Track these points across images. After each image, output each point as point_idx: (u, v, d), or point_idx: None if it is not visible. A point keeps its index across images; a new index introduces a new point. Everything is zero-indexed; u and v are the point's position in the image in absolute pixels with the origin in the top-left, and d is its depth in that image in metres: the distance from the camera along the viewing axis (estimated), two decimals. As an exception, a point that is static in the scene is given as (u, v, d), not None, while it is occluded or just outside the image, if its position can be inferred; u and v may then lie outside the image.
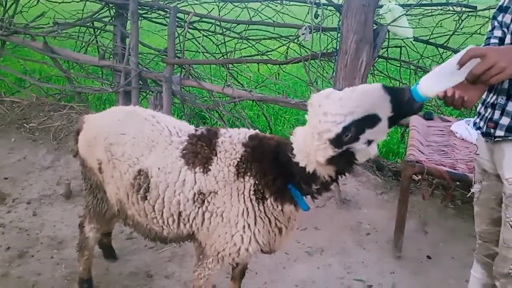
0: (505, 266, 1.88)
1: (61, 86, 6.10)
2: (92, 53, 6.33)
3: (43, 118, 5.23)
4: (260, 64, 5.31)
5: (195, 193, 2.07)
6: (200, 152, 2.11)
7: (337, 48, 4.32)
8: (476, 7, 4.70)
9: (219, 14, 5.53)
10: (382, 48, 4.77)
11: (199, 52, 5.48)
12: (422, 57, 5.17)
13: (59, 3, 6.04)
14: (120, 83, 5.31)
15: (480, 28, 4.70)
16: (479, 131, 1.94)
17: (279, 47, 5.60)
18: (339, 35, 4.28)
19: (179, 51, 5.23)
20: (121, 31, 5.56)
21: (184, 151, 2.14)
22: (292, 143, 1.87)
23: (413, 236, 3.56)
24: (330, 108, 1.64)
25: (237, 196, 2.03)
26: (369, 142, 1.69)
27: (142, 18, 5.69)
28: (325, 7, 4.72)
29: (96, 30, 5.99)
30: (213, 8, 5.55)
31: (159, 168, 2.14)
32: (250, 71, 5.91)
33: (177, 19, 5.22)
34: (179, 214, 2.12)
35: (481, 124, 1.89)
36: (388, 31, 4.53)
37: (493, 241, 2.04)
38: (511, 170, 1.80)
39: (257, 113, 6.23)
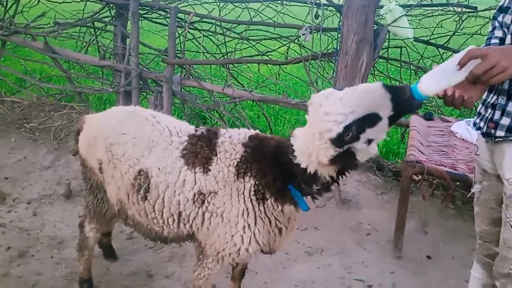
0: (505, 266, 1.88)
1: (62, 86, 6.10)
2: (92, 53, 6.34)
3: (43, 118, 5.23)
4: (260, 64, 5.31)
5: (195, 193, 2.07)
6: (200, 152, 2.11)
7: (338, 48, 4.32)
8: (476, 7, 4.70)
9: (219, 15, 5.54)
10: (383, 49, 4.77)
11: (200, 52, 5.48)
12: (423, 58, 5.18)
13: (60, 3, 6.05)
14: (120, 83, 5.31)
15: (480, 28, 4.69)
16: (479, 132, 1.94)
17: (279, 47, 5.60)
18: (339, 35, 4.29)
19: (180, 51, 5.23)
20: (122, 31, 5.57)
21: (184, 151, 2.14)
22: (292, 145, 1.87)
23: (413, 236, 3.56)
24: (331, 108, 1.64)
25: (237, 196, 2.03)
26: (369, 142, 1.69)
27: (142, 18, 5.70)
28: (326, 7, 4.72)
29: (96, 30, 5.99)
30: (214, 8, 5.56)
31: (159, 168, 2.14)
32: (250, 71, 5.91)
33: (177, 19, 5.23)
34: (179, 214, 2.13)
35: (482, 124, 1.89)
36: (389, 31, 4.53)
37: (493, 241, 2.04)
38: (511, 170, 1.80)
39: (257, 113, 6.23)
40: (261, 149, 2.03)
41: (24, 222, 3.52)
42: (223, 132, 2.16)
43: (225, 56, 5.69)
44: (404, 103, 1.62)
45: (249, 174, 2.01)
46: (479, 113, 1.93)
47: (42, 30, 5.86)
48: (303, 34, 4.45)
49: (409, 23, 4.65)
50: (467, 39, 4.91)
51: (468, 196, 3.25)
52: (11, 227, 3.43)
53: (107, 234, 3.04)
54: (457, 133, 3.70)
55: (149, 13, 5.80)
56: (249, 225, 2.04)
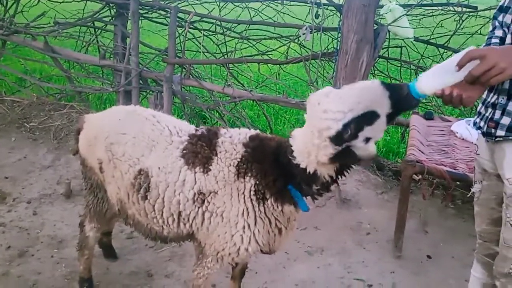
0: (505, 266, 1.88)
1: (62, 85, 6.10)
2: (92, 53, 6.34)
3: (43, 117, 5.23)
4: (260, 64, 5.32)
5: (195, 193, 2.07)
6: (200, 152, 2.11)
7: (338, 48, 4.32)
8: (476, 7, 4.70)
9: (219, 14, 5.54)
10: (383, 48, 4.77)
11: (200, 52, 5.48)
12: (423, 57, 5.18)
13: (60, 2, 6.05)
14: (120, 83, 5.31)
15: (480, 28, 4.69)
16: (479, 131, 1.94)
17: (279, 47, 5.60)
18: (339, 35, 4.28)
19: (180, 51, 5.23)
20: (122, 30, 5.57)
21: (184, 151, 2.14)
22: (291, 145, 1.87)
23: (413, 236, 3.56)
24: (330, 106, 1.64)
25: (237, 196, 2.03)
26: (367, 140, 1.69)
27: (142, 18, 5.70)
28: (326, 7, 4.72)
29: (96, 29, 5.99)
30: (214, 8, 5.56)
31: (159, 168, 2.14)
32: (250, 71, 5.91)
33: (177, 19, 5.23)
34: (179, 213, 2.12)
35: (482, 124, 1.89)
36: (389, 31, 4.53)
37: (493, 241, 2.04)
38: (512, 170, 1.80)
39: (257, 112, 6.23)
40: (262, 149, 2.03)
41: (24, 221, 3.52)
42: (224, 132, 2.16)
43: (225, 56, 5.69)
44: (402, 101, 1.62)
45: (249, 174, 2.01)
46: (479, 113, 1.93)
47: (42, 29, 5.86)
48: (303, 34, 4.45)
49: (409, 23, 4.65)
50: (467, 39, 4.90)
51: (468, 195, 3.24)
52: (11, 227, 3.43)
53: (107, 233, 3.04)
54: (457, 132, 3.70)
55: (149, 12, 5.80)
56: (249, 225, 2.04)
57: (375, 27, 4.28)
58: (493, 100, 1.82)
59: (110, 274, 2.99)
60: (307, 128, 1.77)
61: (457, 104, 1.64)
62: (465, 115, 5.01)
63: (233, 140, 2.09)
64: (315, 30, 4.47)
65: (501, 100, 1.78)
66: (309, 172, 1.83)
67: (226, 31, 5.51)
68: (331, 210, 3.87)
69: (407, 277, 3.13)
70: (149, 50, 5.98)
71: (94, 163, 2.40)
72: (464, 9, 4.74)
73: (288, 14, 5.38)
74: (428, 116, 4.13)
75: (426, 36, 5.00)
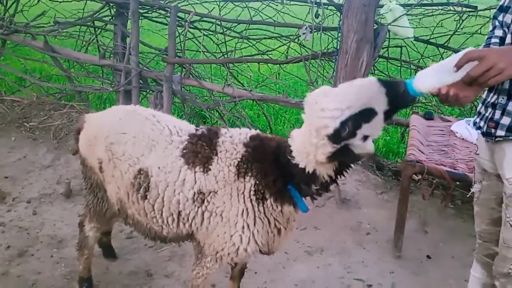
0: (505, 266, 1.88)
1: (62, 85, 6.10)
2: (92, 52, 6.34)
3: (43, 117, 5.23)
4: (260, 63, 5.31)
5: (195, 193, 2.07)
6: (200, 151, 2.11)
7: (338, 47, 4.32)
8: (476, 7, 4.70)
9: (219, 14, 5.53)
10: (383, 48, 4.76)
11: (200, 52, 5.48)
12: (423, 57, 5.17)
13: (60, 2, 6.04)
14: (120, 82, 5.31)
15: (480, 28, 4.69)
16: (479, 131, 1.94)
17: (279, 46, 5.60)
18: (339, 34, 4.28)
19: (180, 51, 5.23)
20: (122, 30, 5.56)
21: (184, 151, 2.14)
22: (290, 145, 1.87)
23: (413, 236, 3.56)
24: (327, 104, 1.64)
25: (237, 196, 2.03)
26: (365, 138, 1.70)
27: (142, 17, 5.69)
28: (326, 6, 4.71)
29: (96, 29, 5.99)
30: (214, 7, 5.55)
31: (159, 168, 2.14)
32: (250, 71, 5.91)
33: (177, 19, 5.22)
34: (179, 213, 2.12)
35: (482, 124, 1.89)
36: (389, 30, 4.53)
37: (493, 241, 2.04)
38: (512, 170, 1.80)
39: (257, 112, 6.23)
40: (262, 149, 2.03)
41: (23, 221, 3.52)
42: (224, 132, 2.16)
43: (225, 55, 5.69)
44: (399, 97, 1.63)
45: (249, 174, 2.01)
46: (479, 113, 1.93)
47: (42, 29, 5.86)
48: (303, 33, 4.44)
49: (409, 23, 4.65)
50: (467, 39, 4.90)
51: (468, 195, 3.24)
52: (11, 226, 3.43)
53: (107, 233, 3.04)
54: (457, 132, 3.70)
55: (149, 12, 5.80)
56: (248, 225, 2.04)
57: (375, 27, 4.28)
58: (493, 100, 1.82)
59: (109, 274, 2.99)
60: (306, 127, 1.77)
61: (453, 103, 1.64)
62: (465, 115, 5.01)
63: (233, 140, 2.09)
64: (315, 30, 4.46)
65: (501, 100, 1.78)
66: (308, 172, 1.83)
67: (226, 31, 5.50)
68: (331, 210, 3.87)
69: (407, 277, 3.13)
70: (149, 49, 5.98)
71: (94, 163, 2.40)
72: (464, 9, 4.73)
73: (288, 14, 5.38)
74: (428, 116, 4.13)
75: (426, 35, 5.00)
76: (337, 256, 3.31)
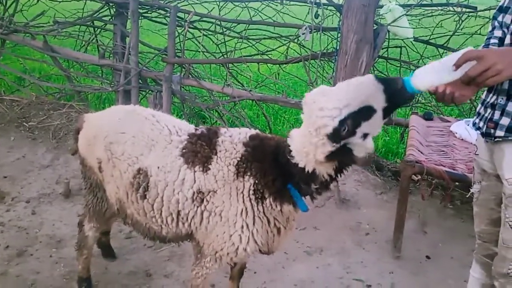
0: (504, 266, 1.88)
1: (61, 85, 6.09)
2: (92, 52, 6.33)
3: (42, 117, 5.22)
4: (260, 63, 5.31)
5: (194, 192, 2.07)
6: (200, 151, 2.11)
7: (337, 48, 4.32)
8: (476, 7, 4.70)
9: (219, 14, 5.53)
10: (382, 48, 4.76)
11: (199, 52, 5.47)
12: (422, 58, 5.17)
13: (59, 2, 6.03)
14: (120, 82, 5.30)
15: (480, 28, 4.69)
16: (478, 132, 1.94)
17: (279, 46, 5.60)
18: (339, 35, 4.28)
19: (179, 51, 5.22)
20: (121, 30, 5.56)
21: (183, 150, 2.14)
22: (289, 145, 1.87)
23: (412, 236, 3.56)
24: (325, 103, 1.64)
25: (236, 195, 2.03)
26: (365, 136, 1.69)
27: (142, 17, 5.68)
28: (326, 7, 4.71)
29: (96, 29, 5.98)
30: (214, 7, 5.55)
31: (158, 167, 2.14)
32: (250, 71, 5.91)
33: (177, 19, 5.22)
34: (178, 213, 2.12)
35: (481, 124, 1.89)
36: (388, 31, 4.53)
37: (493, 241, 2.04)
38: (511, 170, 1.79)
39: (256, 112, 6.23)
40: (262, 148, 2.03)
41: (23, 221, 3.51)
42: (224, 131, 2.16)
43: (225, 56, 5.68)
44: (397, 94, 1.63)
45: (248, 174, 2.01)
46: (479, 113, 1.93)
47: (41, 29, 5.85)
48: (303, 34, 4.44)
49: (409, 23, 4.65)
50: (467, 39, 4.90)
51: (467, 196, 3.24)
52: (10, 226, 3.43)
53: (106, 233, 3.04)
54: (456, 133, 3.70)
55: (148, 12, 5.79)
56: (247, 225, 2.03)
57: (374, 27, 4.28)
58: (492, 100, 1.82)
59: (108, 274, 2.99)
60: (305, 127, 1.77)
61: (448, 102, 1.65)
62: (465, 115, 5.01)
63: (233, 140, 2.09)
64: (314, 30, 4.46)
65: (500, 101, 1.78)
66: (308, 171, 1.83)
67: (225, 31, 5.50)
68: (330, 210, 3.87)
69: (406, 277, 3.13)
70: (148, 49, 5.97)
71: (93, 163, 2.40)
72: (464, 9, 4.73)
73: (288, 14, 5.37)
74: (428, 117, 4.13)
75: (426, 36, 5.00)
76: (337, 256, 3.31)
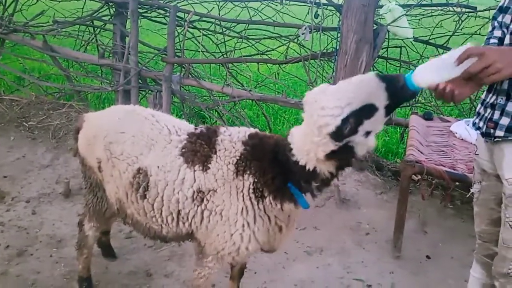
0: (504, 266, 1.88)
1: (61, 84, 6.09)
2: (91, 52, 6.32)
3: (42, 116, 5.22)
4: (260, 63, 5.31)
5: (194, 191, 2.07)
6: (199, 150, 2.11)
7: (337, 48, 4.32)
8: (476, 7, 4.70)
9: (219, 14, 5.53)
10: (382, 48, 4.77)
11: (199, 51, 5.47)
12: (422, 58, 5.17)
13: (59, 1, 6.03)
14: (119, 82, 5.30)
15: (480, 28, 4.70)
16: (478, 131, 1.94)
17: (279, 46, 5.60)
18: (339, 35, 4.28)
19: (179, 50, 5.22)
20: (121, 30, 5.55)
21: (183, 150, 2.14)
22: (290, 143, 1.86)
23: (412, 236, 3.56)
24: (327, 102, 1.64)
25: (236, 194, 2.03)
26: (367, 134, 1.69)
27: (142, 17, 5.68)
28: (325, 7, 4.72)
29: (95, 28, 5.98)
30: (213, 7, 5.55)
31: (158, 167, 2.14)
32: (249, 71, 5.90)
33: (177, 18, 5.22)
34: (178, 212, 2.12)
35: (481, 124, 1.90)
36: (388, 31, 4.53)
37: (493, 241, 2.05)
38: (511, 170, 1.80)
39: (256, 112, 6.22)
40: (261, 147, 2.03)
41: (23, 220, 3.51)
42: (223, 130, 2.16)
43: (225, 55, 5.68)
44: (399, 92, 1.62)
45: (248, 172, 2.01)
46: (478, 113, 1.93)
47: (41, 28, 5.85)
48: (303, 34, 4.45)
49: (409, 23, 4.65)
50: (467, 39, 4.89)
51: (467, 196, 3.25)
52: (10, 226, 3.43)
53: (106, 232, 3.04)
54: (456, 133, 3.70)
55: (148, 11, 5.79)
56: (248, 224, 2.03)
57: (374, 27, 4.29)
58: (492, 100, 1.82)
59: (109, 274, 2.99)
60: (306, 126, 1.76)
61: (448, 99, 1.65)
62: (465, 115, 5.01)
63: (232, 138, 2.09)
64: (314, 30, 4.46)
65: (500, 101, 1.78)
66: (309, 170, 1.83)
67: (225, 31, 5.50)
68: (330, 210, 3.87)
69: (406, 277, 3.13)
70: (148, 49, 5.97)
71: (93, 162, 2.40)
72: (464, 10, 4.74)
73: (288, 14, 5.38)
74: (428, 117, 4.13)
75: (426, 36, 5.00)
76: (337, 256, 3.31)
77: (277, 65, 5.50)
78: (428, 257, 3.36)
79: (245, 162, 2.02)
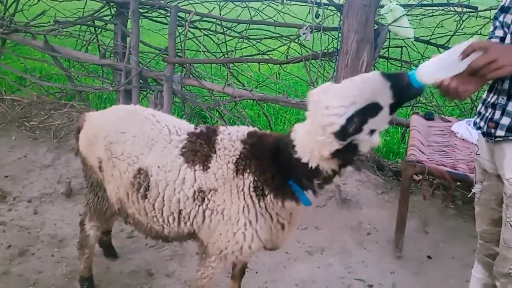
0: (505, 266, 1.88)
1: (62, 84, 6.09)
2: (92, 52, 6.34)
3: (43, 116, 5.23)
4: (260, 63, 5.32)
5: (195, 191, 2.07)
6: (199, 150, 2.11)
7: (338, 48, 4.32)
8: (477, 7, 4.70)
9: (220, 14, 5.53)
10: (383, 48, 4.77)
11: (200, 51, 5.48)
12: (423, 57, 5.17)
13: (60, 1, 6.04)
14: (120, 82, 5.31)
15: (481, 28, 4.70)
16: (479, 131, 1.94)
17: (280, 46, 5.60)
18: (340, 35, 4.28)
19: (180, 50, 5.23)
20: (122, 30, 5.56)
21: (183, 149, 2.14)
22: (293, 140, 1.86)
23: (413, 236, 3.56)
24: (331, 101, 1.63)
25: (237, 193, 2.02)
26: (372, 132, 1.69)
27: (143, 17, 5.69)
28: (326, 6, 4.72)
29: (96, 28, 5.99)
30: (214, 7, 5.56)
31: (159, 167, 2.14)
32: (250, 71, 5.91)
33: (178, 18, 5.22)
34: (179, 212, 2.12)
35: (482, 124, 1.90)
36: (389, 31, 4.53)
37: (494, 241, 2.04)
38: (512, 170, 1.80)
39: (257, 112, 6.23)
40: (260, 145, 2.03)
41: (24, 220, 3.52)
42: (222, 130, 2.16)
43: (226, 55, 5.69)
44: (404, 90, 1.62)
45: (248, 171, 2.01)
46: (479, 113, 1.93)
47: (42, 28, 5.86)
48: (304, 34, 4.45)
49: (410, 23, 4.65)
50: (468, 39, 4.90)
51: (468, 196, 3.25)
52: (12, 226, 3.43)
53: (107, 232, 3.04)
54: (457, 133, 3.70)
55: (149, 11, 5.80)
56: (250, 222, 2.03)
57: (375, 27, 4.29)
58: (493, 100, 1.83)
59: (110, 273, 2.99)
60: (310, 124, 1.75)
61: (453, 96, 1.65)
62: (466, 115, 5.01)
63: (231, 137, 2.09)
64: (315, 30, 4.46)
65: (501, 100, 1.78)
66: (311, 167, 1.82)
67: (226, 31, 5.50)
68: (331, 210, 3.87)
69: (408, 277, 3.13)
70: (149, 49, 5.97)
71: (94, 162, 2.40)
72: (465, 9, 4.74)
73: (289, 14, 5.38)
74: (429, 117, 4.13)
75: (427, 36, 5.00)
76: (338, 256, 3.31)
77: (278, 65, 5.50)
78: (429, 257, 3.36)
79: (244, 161, 2.02)
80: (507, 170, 1.81)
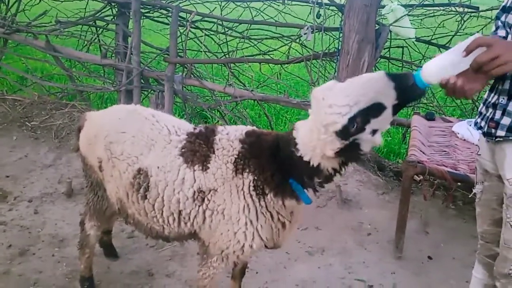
0: (505, 267, 1.88)
1: (63, 84, 6.10)
2: (94, 52, 6.35)
3: (45, 116, 5.23)
4: (262, 63, 5.32)
5: (194, 191, 2.07)
6: (198, 150, 2.10)
7: (339, 48, 4.32)
8: (478, 7, 4.70)
9: (221, 14, 5.54)
10: (384, 48, 4.76)
11: (201, 51, 5.49)
12: (424, 58, 5.17)
13: (62, 1, 6.06)
14: (122, 82, 5.31)
15: (482, 28, 4.68)
16: (480, 131, 1.94)
17: (281, 46, 5.60)
18: (341, 35, 4.28)
19: (181, 50, 5.23)
20: (123, 30, 5.57)
21: (183, 150, 2.14)
22: (295, 138, 1.85)
23: (414, 236, 3.56)
24: (334, 100, 1.62)
25: (236, 193, 2.02)
26: (374, 132, 1.68)
27: (144, 17, 5.70)
28: (327, 7, 4.72)
29: (98, 28, 6.00)
30: (215, 7, 5.56)
31: (158, 167, 2.14)
32: (251, 71, 5.91)
33: (179, 18, 5.23)
34: (179, 212, 2.12)
35: (482, 124, 1.89)
36: (390, 31, 4.53)
37: (495, 242, 2.04)
38: (512, 170, 1.79)
39: (258, 112, 6.23)
40: (259, 144, 2.03)
41: (25, 220, 3.52)
42: (221, 129, 2.16)
43: (227, 55, 5.69)
44: (408, 91, 1.61)
45: (247, 170, 2.00)
46: (480, 113, 1.93)
47: (43, 28, 5.87)
48: (305, 34, 4.45)
49: (411, 23, 4.65)
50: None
51: (469, 196, 3.24)
52: (12, 225, 3.44)
53: (108, 232, 3.05)
54: (458, 133, 3.70)
55: (150, 12, 5.81)
56: (251, 221, 2.03)
57: (376, 27, 4.28)
58: (493, 100, 1.82)
59: (111, 273, 3.00)
60: (312, 122, 1.74)
61: (459, 95, 1.64)
62: (467, 116, 5.00)
63: (229, 137, 2.09)
64: (316, 30, 4.46)
65: (502, 101, 1.78)
66: (313, 165, 1.82)
67: (227, 31, 5.50)
68: (332, 211, 3.87)
69: (408, 277, 3.13)
70: (150, 49, 5.98)
71: (94, 162, 2.40)
72: (466, 10, 4.73)
73: (290, 14, 5.38)
74: (430, 117, 4.12)
75: (428, 36, 4.99)
76: (338, 256, 3.30)
77: (279, 65, 5.50)
78: (429, 257, 3.35)
79: (243, 160, 2.02)
80: (508, 170, 1.80)
